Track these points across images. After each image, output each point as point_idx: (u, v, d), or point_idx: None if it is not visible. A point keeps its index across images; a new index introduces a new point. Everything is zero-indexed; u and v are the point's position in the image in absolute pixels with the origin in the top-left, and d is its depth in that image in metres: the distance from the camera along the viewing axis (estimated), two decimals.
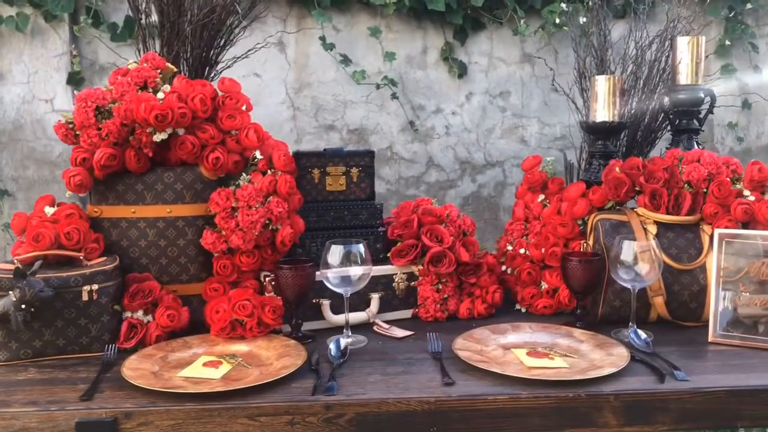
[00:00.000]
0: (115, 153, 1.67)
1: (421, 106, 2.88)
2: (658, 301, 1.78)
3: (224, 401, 1.36)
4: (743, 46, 2.95)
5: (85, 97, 1.65)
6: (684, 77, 2.09)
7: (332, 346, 1.60)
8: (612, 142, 2.15)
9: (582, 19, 2.56)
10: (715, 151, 2.92)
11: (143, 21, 1.95)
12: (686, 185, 1.86)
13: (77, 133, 1.68)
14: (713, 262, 1.72)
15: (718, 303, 1.70)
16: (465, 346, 1.61)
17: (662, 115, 2.24)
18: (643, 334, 1.67)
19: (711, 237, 1.78)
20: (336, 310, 1.80)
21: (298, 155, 1.89)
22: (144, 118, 1.62)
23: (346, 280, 1.67)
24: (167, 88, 1.72)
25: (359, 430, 1.37)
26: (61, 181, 1.68)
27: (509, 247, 2.05)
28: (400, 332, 1.79)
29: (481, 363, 1.51)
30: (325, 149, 1.93)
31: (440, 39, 2.87)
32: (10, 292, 1.49)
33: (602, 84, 2.04)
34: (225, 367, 1.51)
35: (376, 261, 1.90)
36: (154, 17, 1.92)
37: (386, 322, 1.85)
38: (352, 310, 1.80)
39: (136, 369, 1.48)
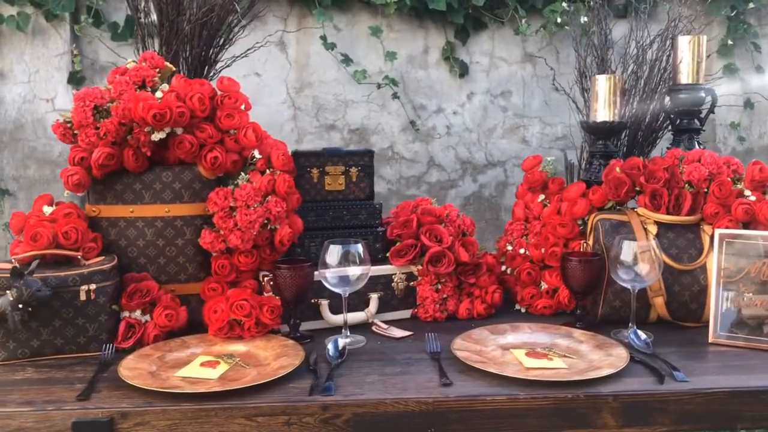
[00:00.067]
0: (113, 152, 1.67)
1: (422, 106, 2.87)
2: (659, 302, 1.77)
3: (221, 401, 1.35)
4: (746, 46, 2.94)
5: (83, 97, 1.65)
6: (685, 77, 2.08)
7: (330, 347, 1.59)
8: (613, 142, 2.14)
9: (583, 19, 2.55)
10: (717, 151, 2.91)
11: (142, 20, 1.95)
12: (687, 185, 1.85)
13: (75, 132, 1.68)
14: (714, 262, 1.71)
15: (718, 304, 1.69)
16: (464, 347, 1.61)
17: (663, 114, 2.23)
18: (642, 335, 1.66)
19: (711, 237, 1.78)
20: (335, 310, 1.79)
21: (296, 155, 1.89)
22: (142, 117, 1.62)
23: (344, 280, 1.66)
24: (166, 87, 1.71)
25: (356, 431, 1.36)
26: (61, 180, 1.68)
27: (509, 247, 2.04)
28: (398, 332, 1.78)
29: (480, 363, 1.50)
30: (324, 149, 1.93)
31: (441, 38, 2.86)
32: (8, 292, 1.49)
33: (603, 83, 2.03)
34: (222, 367, 1.51)
35: (375, 261, 1.90)
36: (154, 16, 1.92)
37: (385, 322, 1.84)
38: (351, 310, 1.80)
39: (133, 369, 1.47)
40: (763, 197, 1.83)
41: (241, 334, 1.65)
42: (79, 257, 1.64)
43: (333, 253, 1.66)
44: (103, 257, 1.68)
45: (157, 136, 1.66)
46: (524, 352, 1.59)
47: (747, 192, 1.84)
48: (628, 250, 1.66)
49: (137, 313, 1.66)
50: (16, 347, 1.57)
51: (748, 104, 2.96)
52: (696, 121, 2.12)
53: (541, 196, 2.05)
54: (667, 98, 2.14)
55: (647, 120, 2.26)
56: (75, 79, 2.73)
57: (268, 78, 2.81)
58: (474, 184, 2.93)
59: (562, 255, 1.81)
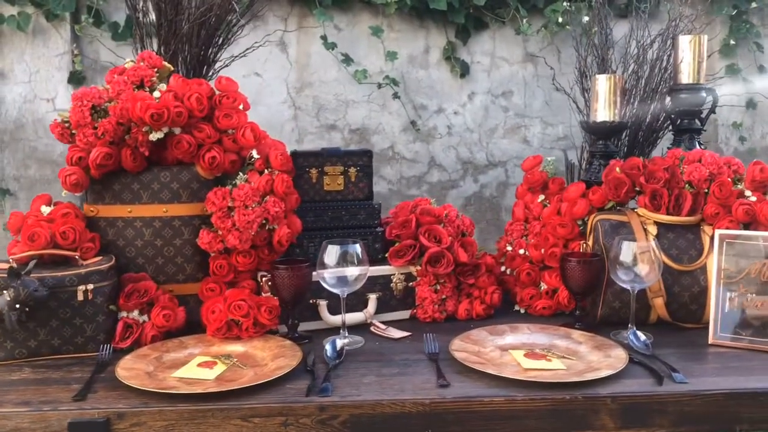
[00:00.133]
0: (111, 152, 1.66)
1: (423, 106, 2.87)
2: (658, 303, 1.77)
3: (218, 402, 1.35)
4: (748, 46, 2.93)
5: (81, 96, 1.65)
6: (686, 76, 2.07)
7: (328, 347, 1.59)
8: (613, 142, 2.14)
9: (584, 18, 2.54)
10: (719, 152, 2.91)
11: (141, 19, 1.94)
12: (687, 185, 1.84)
13: (73, 132, 1.68)
14: (714, 263, 1.71)
15: (718, 305, 1.69)
16: (462, 347, 1.60)
17: (664, 114, 2.22)
18: (642, 336, 1.66)
19: (712, 238, 1.77)
20: (333, 310, 1.79)
21: (295, 155, 1.89)
22: (140, 117, 1.62)
23: (342, 280, 1.65)
24: (163, 87, 1.71)
25: None
26: None
27: (509, 248, 2.04)
28: (397, 333, 1.78)
29: (478, 364, 1.50)
30: (322, 149, 1.93)
31: (442, 38, 2.86)
32: (5, 292, 1.49)
33: (603, 83, 2.02)
34: (219, 368, 1.50)
35: (374, 261, 1.89)
36: (153, 16, 1.92)
37: (384, 322, 1.84)
38: (349, 310, 1.79)
39: (130, 369, 1.47)
40: (764, 198, 1.82)
41: (239, 334, 1.65)
42: (77, 257, 1.63)
43: (331, 253, 1.65)
44: (100, 257, 1.68)
45: (155, 136, 1.66)
46: (523, 353, 1.59)
47: (747, 192, 1.83)
48: (627, 251, 1.65)
49: (135, 314, 1.66)
50: (14, 347, 1.56)
51: (751, 104, 2.94)
52: (697, 121, 2.11)
53: (541, 197, 2.04)
54: (668, 98, 2.14)
55: (648, 120, 2.26)
56: (75, 79, 2.73)
57: (269, 78, 2.80)
58: (475, 184, 2.93)
59: (561, 255, 1.80)
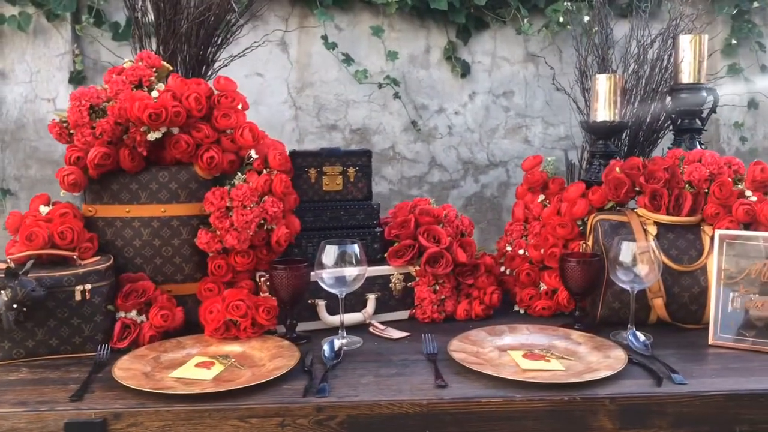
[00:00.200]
0: (109, 152, 1.66)
1: (423, 106, 2.86)
2: (658, 303, 1.76)
3: (215, 402, 1.35)
4: (750, 45, 2.92)
5: (79, 96, 1.65)
6: (686, 76, 2.07)
7: (326, 347, 1.59)
8: (613, 142, 2.13)
9: (585, 18, 2.53)
10: (721, 152, 2.90)
11: (140, 19, 1.94)
12: (687, 185, 1.83)
13: (71, 132, 1.67)
14: (714, 263, 1.70)
15: (718, 305, 1.68)
16: (460, 348, 1.60)
17: (664, 114, 2.21)
18: (641, 337, 1.65)
19: (712, 238, 1.76)
20: (332, 310, 1.79)
21: (294, 155, 1.88)
22: (138, 116, 1.61)
23: (340, 280, 1.65)
24: (162, 86, 1.71)
25: None
26: None
27: (508, 248, 2.03)
28: (395, 333, 1.77)
29: (476, 365, 1.49)
30: (321, 149, 1.92)
31: (443, 38, 2.85)
32: (2, 292, 1.49)
33: (603, 83, 2.02)
34: (217, 368, 1.50)
35: (373, 261, 1.89)
36: (151, 15, 1.91)
37: (383, 323, 1.84)
38: (348, 310, 1.79)
39: (127, 369, 1.47)
40: (765, 198, 1.81)
41: (237, 334, 1.65)
42: (75, 257, 1.63)
43: (329, 253, 1.65)
44: (98, 257, 1.68)
45: (153, 136, 1.66)
46: (521, 353, 1.58)
47: (748, 192, 1.82)
48: (627, 251, 1.65)
49: (133, 314, 1.66)
50: (11, 347, 1.56)
51: (752, 104, 2.93)
52: (697, 121, 2.10)
53: (541, 197, 2.03)
54: (668, 98, 2.13)
55: (648, 120, 2.25)
56: (76, 79, 2.72)
57: (270, 78, 2.80)
58: (476, 184, 2.92)
59: (560, 256, 1.80)
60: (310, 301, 1.78)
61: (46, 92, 2.74)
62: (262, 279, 1.74)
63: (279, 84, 2.80)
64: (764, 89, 2.93)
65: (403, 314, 1.90)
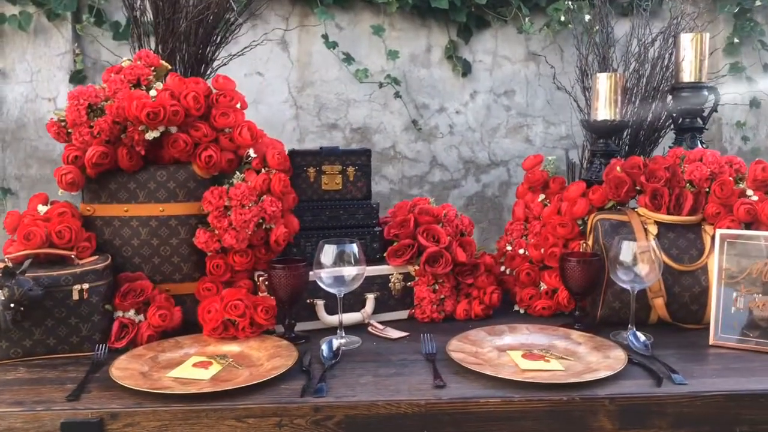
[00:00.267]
0: (107, 151, 1.66)
1: (424, 105, 2.85)
2: (658, 303, 1.75)
3: (212, 402, 1.34)
4: (752, 44, 2.90)
5: (77, 95, 1.64)
6: (687, 75, 2.06)
7: (324, 347, 1.58)
8: (614, 141, 2.12)
9: (587, 17, 2.52)
10: (723, 151, 2.88)
11: (139, 18, 1.94)
12: (688, 185, 1.82)
13: (69, 131, 1.67)
14: (714, 263, 1.69)
15: (719, 305, 1.67)
16: (459, 348, 1.59)
17: (665, 113, 2.20)
18: (642, 337, 1.64)
19: (713, 238, 1.75)
20: (330, 310, 1.78)
21: (293, 154, 1.88)
22: (136, 115, 1.61)
23: (339, 280, 1.64)
24: (160, 85, 1.70)
25: None
26: None
27: (509, 248, 2.02)
28: (394, 333, 1.77)
29: (475, 365, 1.48)
30: (321, 148, 1.92)
31: (444, 37, 2.84)
32: None
33: (604, 82, 2.01)
34: (215, 368, 1.50)
35: (373, 261, 1.89)
36: (150, 14, 1.91)
37: (382, 322, 1.83)
38: (347, 310, 1.79)
39: (124, 369, 1.46)
40: (766, 197, 1.80)
41: (236, 334, 1.64)
42: (73, 256, 1.63)
43: (328, 253, 1.64)
44: (96, 257, 1.68)
45: (151, 135, 1.65)
46: (521, 353, 1.57)
47: (749, 192, 1.81)
48: (627, 251, 1.64)
49: (131, 313, 1.65)
50: (9, 347, 1.56)
51: (754, 103, 2.92)
52: (698, 120, 2.09)
53: (542, 196, 2.02)
54: (669, 97, 2.12)
55: (649, 119, 2.24)
56: (77, 79, 2.72)
57: (271, 77, 2.79)
58: (477, 184, 2.91)
59: (560, 255, 1.79)
60: (308, 301, 1.77)
61: (47, 92, 2.74)
62: (260, 278, 1.74)
63: (280, 83, 2.79)
64: (767, 88, 2.91)
65: (402, 314, 1.90)
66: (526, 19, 2.74)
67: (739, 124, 2.92)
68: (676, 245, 1.78)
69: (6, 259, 1.59)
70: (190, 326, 1.72)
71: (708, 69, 2.09)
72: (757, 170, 1.81)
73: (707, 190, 1.81)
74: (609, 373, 1.43)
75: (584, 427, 1.37)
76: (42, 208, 1.70)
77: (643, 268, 1.63)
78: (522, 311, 1.96)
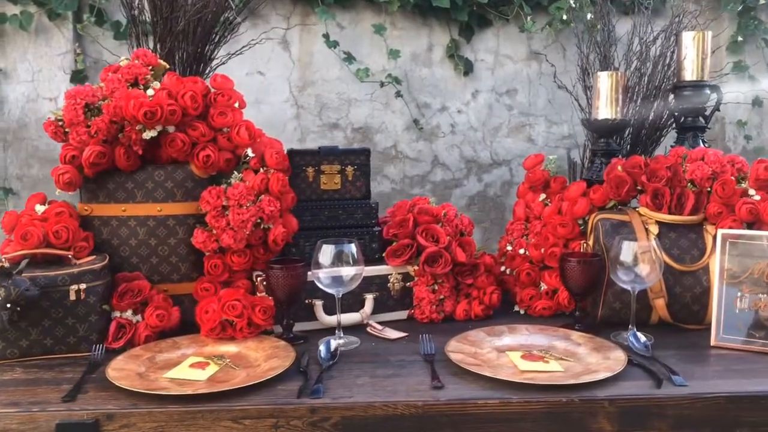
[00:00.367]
0: (104, 151, 1.65)
1: (426, 104, 2.84)
2: (659, 304, 1.74)
3: (208, 403, 1.33)
4: (756, 43, 2.88)
5: (75, 95, 1.64)
6: (689, 73, 2.04)
7: (322, 348, 1.57)
8: (615, 140, 2.11)
9: (589, 16, 2.50)
10: (726, 150, 2.87)
11: (137, 17, 1.93)
12: (689, 184, 1.81)
13: (67, 130, 1.67)
14: (716, 263, 1.67)
15: (721, 305, 1.65)
16: (458, 349, 1.58)
17: (667, 112, 2.19)
18: (642, 338, 1.63)
19: (714, 237, 1.73)
20: (329, 310, 1.77)
21: (292, 153, 1.87)
22: (133, 115, 1.60)
23: (337, 280, 1.64)
24: (158, 85, 1.70)
25: None
26: None
27: (509, 248, 2.01)
28: (393, 334, 1.76)
29: (473, 366, 1.47)
30: (319, 147, 1.91)
31: (446, 36, 2.83)
32: None
33: (605, 81, 1.99)
34: (212, 369, 1.49)
35: (372, 261, 1.88)
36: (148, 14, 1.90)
37: (381, 323, 1.82)
38: (346, 310, 1.78)
39: (121, 370, 1.46)
40: None
41: (233, 334, 1.63)
42: (70, 256, 1.62)
43: (326, 253, 1.63)
44: (94, 256, 1.67)
45: (148, 135, 1.65)
46: (520, 354, 1.56)
47: (751, 191, 1.79)
48: (627, 251, 1.63)
49: (128, 313, 1.65)
50: (5, 347, 1.56)
51: (757, 102, 2.90)
52: (701, 119, 2.07)
53: (543, 196, 2.01)
54: (671, 96, 2.10)
55: (651, 118, 2.22)
56: (78, 78, 2.72)
57: (272, 77, 2.79)
58: (479, 183, 2.90)
59: (560, 255, 1.78)
60: (307, 301, 1.77)
61: (48, 91, 2.73)
62: (258, 279, 1.73)
63: (281, 83, 2.79)
64: None
65: (401, 314, 1.89)
66: (528, 18, 2.73)
67: (740, 123, 2.90)
68: (678, 245, 1.76)
69: (3, 259, 1.58)
70: (188, 326, 1.71)
71: (711, 67, 2.07)
72: (759, 169, 1.79)
73: (709, 189, 1.79)
74: (608, 374, 1.42)
75: (583, 428, 1.36)
76: (39, 208, 1.69)
77: (643, 269, 1.62)
78: (522, 312, 1.94)
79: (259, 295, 1.72)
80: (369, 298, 1.83)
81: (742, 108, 2.91)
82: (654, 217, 1.78)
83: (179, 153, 1.69)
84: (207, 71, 1.98)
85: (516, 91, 2.88)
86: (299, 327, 1.75)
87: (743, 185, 1.80)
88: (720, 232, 1.68)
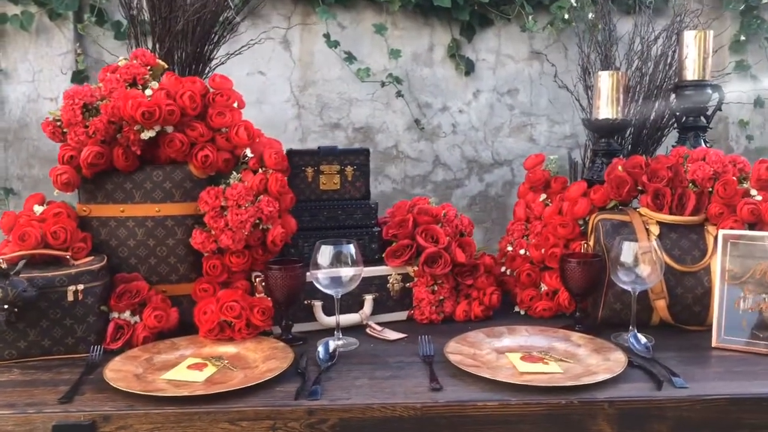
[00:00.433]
0: (102, 151, 1.65)
1: (427, 104, 2.83)
2: (660, 305, 1.73)
3: (205, 405, 1.33)
4: (759, 42, 2.87)
5: (73, 95, 1.64)
6: (691, 73, 2.03)
7: (321, 349, 1.56)
8: (616, 140, 2.09)
9: (590, 15, 2.49)
10: (729, 150, 2.85)
11: (136, 17, 1.92)
12: (691, 184, 1.80)
13: (65, 130, 1.66)
14: (717, 264, 1.66)
15: (722, 307, 1.64)
16: (457, 350, 1.57)
17: (668, 112, 2.18)
18: (643, 339, 1.62)
19: (716, 238, 1.72)
20: (328, 311, 1.76)
21: (291, 153, 1.86)
22: (131, 115, 1.60)
23: (336, 281, 1.63)
24: (156, 85, 1.69)
25: None
26: None
27: (509, 248, 2.00)
28: (392, 335, 1.75)
29: (472, 368, 1.46)
30: (319, 147, 1.90)
31: (447, 36, 2.82)
32: None
33: (605, 80, 1.98)
34: (209, 370, 1.48)
35: (371, 261, 1.87)
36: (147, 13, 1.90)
37: (380, 324, 1.81)
38: (345, 311, 1.77)
39: (118, 371, 1.45)
40: None
41: (232, 335, 1.63)
42: (68, 257, 1.62)
43: (324, 253, 1.63)
44: (92, 257, 1.67)
45: (146, 135, 1.64)
46: (519, 356, 1.55)
47: (753, 191, 1.78)
48: (628, 251, 1.62)
49: (126, 314, 1.64)
50: (3, 348, 1.55)
51: (759, 102, 2.88)
52: (702, 118, 2.06)
53: (543, 196, 2.00)
54: (673, 95, 2.09)
55: (652, 117, 2.21)
56: (79, 78, 2.71)
57: (273, 76, 2.78)
58: (480, 183, 2.88)
59: (560, 256, 1.77)
60: (306, 302, 1.76)
61: (49, 91, 2.73)
62: (257, 279, 1.72)
63: (282, 82, 2.78)
64: None
65: (401, 315, 1.88)
66: (530, 17, 2.72)
67: (741, 122, 2.88)
68: (679, 246, 1.75)
69: (0, 260, 1.58)
70: (187, 327, 1.71)
71: (713, 67, 2.06)
72: (761, 170, 1.78)
73: (710, 189, 1.78)
74: (608, 376, 1.41)
75: (583, 430, 1.35)
76: (38, 209, 1.69)
77: (644, 269, 1.61)
78: (522, 312, 1.94)
79: (257, 296, 1.72)
80: (368, 299, 1.82)
81: (745, 108, 2.90)
82: (655, 218, 1.77)
83: (178, 153, 1.68)
84: (206, 71, 1.97)
85: (517, 91, 2.87)
86: (298, 328, 1.74)
87: (745, 185, 1.79)
88: (721, 232, 1.67)
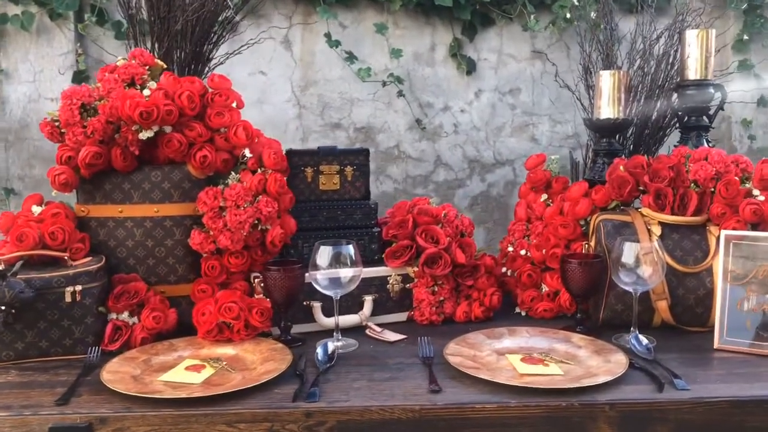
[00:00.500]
0: (100, 151, 1.64)
1: (428, 104, 2.82)
2: (662, 306, 1.71)
3: (203, 407, 1.32)
4: (762, 41, 2.85)
5: (70, 95, 1.63)
6: (693, 72, 2.01)
7: (319, 351, 1.55)
8: (618, 140, 2.08)
9: (592, 14, 2.48)
10: (732, 150, 2.84)
11: (135, 16, 1.92)
12: (693, 184, 1.79)
13: (62, 131, 1.65)
14: (719, 264, 1.65)
15: (724, 308, 1.63)
16: (457, 351, 1.56)
17: (670, 111, 2.16)
18: (644, 340, 1.60)
19: (718, 239, 1.71)
20: (328, 312, 1.75)
21: (290, 153, 1.85)
22: (129, 115, 1.59)
23: (335, 282, 1.62)
24: (155, 85, 1.68)
25: None
26: None
27: (510, 249, 1.99)
28: (392, 336, 1.74)
29: (472, 369, 1.45)
30: (318, 147, 1.89)
31: (448, 35, 2.81)
32: None
33: (607, 80, 1.97)
34: (207, 372, 1.47)
35: (371, 262, 1.86)
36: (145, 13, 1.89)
37: (380, 325, 1.80)
38: (345, 312, 1.76)
39: (115, 372, 1.44)
40: None
41: (231, 337, 1.62)
42: (66, 258, 1.61)
43: (323, 254, 1.62)
44: (90, 258, 1.66)
45: (144, 135, 1.64)
46: (520, 357, 1.54)
47: (756, 192, 1.77)
48: (629, 252, 1.60)
49: (124, 315, 1.63)
50: (0, 350, 1.54)
51: (762, 101, 2.86)
52: (704, 118, 2.05)
53: (544, 196, 1.99)
54: (675, 95, 2.08)
55: (654, 117, 2.19)
56: (79, 79, 2.71)
57: (274, 76, 2.77)
58: (482, 183, 2.87)
59: (561, 257, 1.76)
60: (305, 303, 1.75)
61: (50, 92, 2.73)
62: (256, 280, 1.72)
63: (283, 82, 2.77)
64: None
65: (401, 316, 1.87)
66: (532, 17, 2.71)
67: (744, 122, 2.87)
68: (681, 246, 1.74)
69: None
70: (185, 328, 1.70)
71: (716, 66, 2.05)
72: (763, 169, 1.77)
73: (712, 190, 1.77)
74: (609, 378, 1.40)
75: None
76: (36, 209, 1.68)
77: (645, 270, 1.59)
78: (523, 313, 1.92)
79: (256, 296, 1.71)
80: (368, 300, 1.81)
81: (748, 107, 2.88)
82: (656, 218, 1.76)
83: (176, 153, 1.67)
84: (206, 71, 1.96)
85: (519, 91, 2.86)
86: (297, 329, 1.74)
87: (747, 185, 1.78)
88: (723, 233, 1.66)
